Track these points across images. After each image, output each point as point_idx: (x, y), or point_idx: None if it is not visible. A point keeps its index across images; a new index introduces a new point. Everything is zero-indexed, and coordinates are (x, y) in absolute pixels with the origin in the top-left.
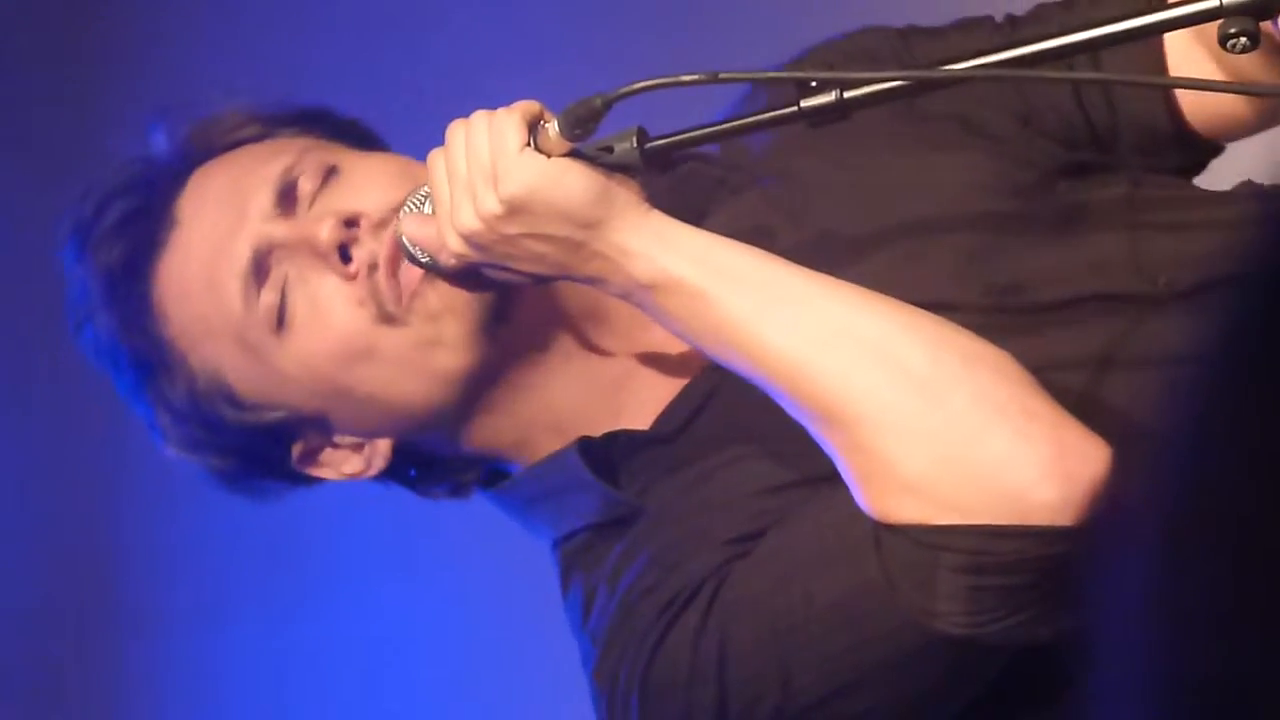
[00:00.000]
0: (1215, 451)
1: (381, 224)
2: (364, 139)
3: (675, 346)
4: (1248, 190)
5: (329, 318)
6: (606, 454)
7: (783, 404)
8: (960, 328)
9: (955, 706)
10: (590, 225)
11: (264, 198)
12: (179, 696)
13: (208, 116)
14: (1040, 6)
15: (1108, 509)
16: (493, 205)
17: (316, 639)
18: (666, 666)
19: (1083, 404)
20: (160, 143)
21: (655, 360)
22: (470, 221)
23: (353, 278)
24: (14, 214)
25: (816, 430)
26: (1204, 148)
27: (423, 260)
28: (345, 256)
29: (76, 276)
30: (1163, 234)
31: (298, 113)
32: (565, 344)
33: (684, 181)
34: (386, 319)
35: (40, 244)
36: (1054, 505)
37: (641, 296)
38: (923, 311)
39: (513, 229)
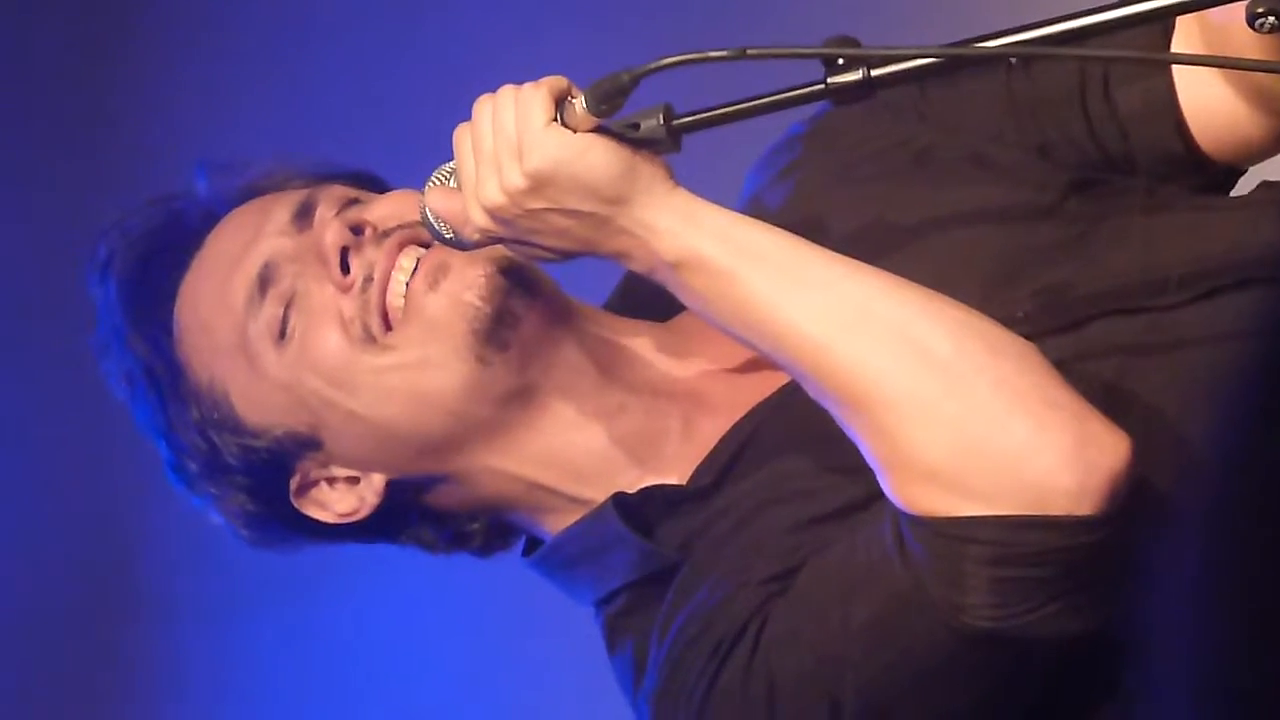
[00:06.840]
0: (1239, 441)
1: (386, 234)
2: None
3: (706, 392)
4: (1262, 191)
5: (317, 333)
6: (643, 510)
7: (806, 387)
8: (985, 316)
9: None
10: (616, 201)
11: (282, 215)
12: (199, 686)
13: (251, 169)
14: None
15: (1130, 499)
16: (517, 179)
17: (336, 629)
18: (719, 712)
19: (1106, 401)
20: (202, 186)
21: (685, 408)
22: (495, 195)
23: (348, 289)
24: (43, 221)
25: (840, 415)
26: (1220, 170)
27: (446, 235)
28: (345, 267)
29: (100, 295)
30: (1176, 235)
31: (341, 173)
32: (578, 386)
33: None
34: (369, 342)
35: (66, 250)
36: (1073, 494)
37: (665, 274)
38: (948, 298)
39: (537, 204)
